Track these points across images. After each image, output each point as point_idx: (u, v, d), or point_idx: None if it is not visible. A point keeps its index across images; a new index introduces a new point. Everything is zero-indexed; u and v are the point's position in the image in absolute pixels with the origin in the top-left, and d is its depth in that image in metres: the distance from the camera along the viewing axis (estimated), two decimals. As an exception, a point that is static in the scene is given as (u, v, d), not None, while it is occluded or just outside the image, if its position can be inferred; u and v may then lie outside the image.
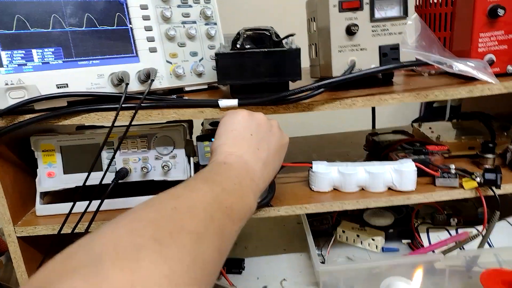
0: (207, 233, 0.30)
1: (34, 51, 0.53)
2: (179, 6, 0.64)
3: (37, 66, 0.53)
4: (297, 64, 0.55)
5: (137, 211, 0.29)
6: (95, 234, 0.26)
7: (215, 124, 0.77)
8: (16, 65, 0.52)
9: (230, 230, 0.35)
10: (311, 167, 0.64)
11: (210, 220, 0.31)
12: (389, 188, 0.62)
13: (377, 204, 0.61)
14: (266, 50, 0.54)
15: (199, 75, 0.66)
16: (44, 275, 0.23)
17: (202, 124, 0.79)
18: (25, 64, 0.53)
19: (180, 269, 0.25)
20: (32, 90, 0.52)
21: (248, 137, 0.45)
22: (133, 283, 0.22)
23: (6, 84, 0.51)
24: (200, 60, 0.66)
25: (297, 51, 0.54)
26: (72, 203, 0.60)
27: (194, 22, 0.65)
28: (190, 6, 0.65)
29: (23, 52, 0.53)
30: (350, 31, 0.56)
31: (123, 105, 0.53)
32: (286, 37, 0.55)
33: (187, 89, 0.66)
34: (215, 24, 0.67)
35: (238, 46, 0.55)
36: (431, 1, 0.66)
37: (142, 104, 0.53)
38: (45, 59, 0.54)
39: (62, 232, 0.58)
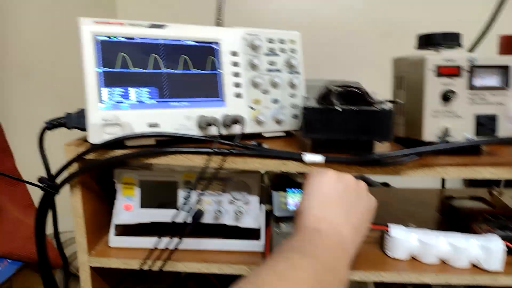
0: None
1: (131, 89, 0.56)
2: (266, 54, 0.65)
3: (133, 104, 0.55)
4: (389, 125, 0.53)
5: None
6: None
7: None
8: (114, 102, 0.54)
9: None
10: (388, 231, 0.61)
11: None
12: (473, 265, 0.58)
13: (460, 282, 0.57)
14: (358, 109, 0.53)
15: (279, 122, 0.66)
16: None
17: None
18: (122, 102, 0.55)
19: None
20: (126, 127, 0.54)
21: (338, 201, 0.44)
22: None
23: (104, 120, 0.53)
24: (281, 108, 0.66)
25: (390, 112, 0.53)
26: (143, 238, 0.61)
27: (279, 71, 0.66)
28: (277, 55, 0.66)
29: (122, 90, 0.55)
30: (446, 98, 0.54)
31: (210, 150, 0.54)
32: (384, 101, 0.54)
33: (265, 135, 0.66)
34: (299, 73, 0.68)
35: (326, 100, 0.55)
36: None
37: (231, 151, 0.53)
38: (140, 98, 0.56)
39: (131, 267, 0.58)
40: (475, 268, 0.57)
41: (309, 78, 0.70)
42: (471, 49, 0.79)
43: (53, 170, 0.56)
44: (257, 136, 0.66)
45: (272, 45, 0.65)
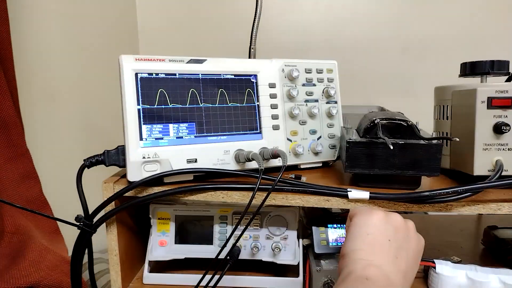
0: None
1: (171, 125, 0.54)
2: (303, 85, 0.63)
3: (171, 140, 0.54)
4: (437, 159, 0.51)
5: None
6: None
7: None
8: (154, 139, 0.53)
9: None
10: (434, 267, 0.58)
11: None
12: (529, 305, 0.54)
13: (517, 324, 0.53)
14: (404, 142, 0.51)
15: (316, 153, 0.64)
16: None
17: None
18: (162, 138, 0.54)
19: None
20: (165, 164, 0.53)
21: (386, 244, 0.42)
22: None
23: (143, 157, 0.52)
24: (318, 139, 0.64)
25: (439, 146, 0.51)
26: (178, 274, 0.59)
27: (317, 101, 0.64)
28: (314, 85, 0.64)
29: (161, 126, 0.54)
30: (499, 130, 0.51)
31: (250, 186, 0.52)
32: (436, 138, 0.51)
33: (302, 166, 0.64)
34: (336, 102, 0.66)
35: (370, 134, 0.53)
36: None
37: (274, 187, 0.51)
38: (179, 134, 0.55)
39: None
40: (532, 309, 0.54)
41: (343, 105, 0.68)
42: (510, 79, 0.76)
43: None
44: (293, 168, 0.64)
45: (309, 75, 0.64)
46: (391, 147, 0.48)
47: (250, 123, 0.59)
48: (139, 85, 0.52)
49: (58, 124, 1.13)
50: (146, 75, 0.52)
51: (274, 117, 0.61)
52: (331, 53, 1.49)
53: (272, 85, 0.61)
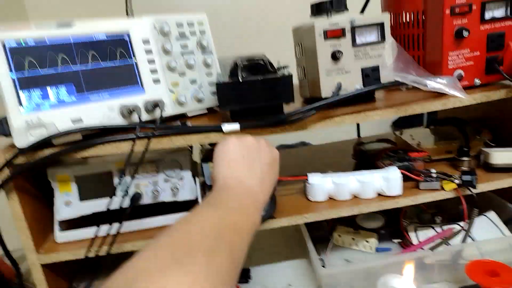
0: (219, 248, 0.35)
1: (49, 89, 0.58)
2: (177, 39, 0.69)
3: (53, 104, 0.58)
4: (290, 89, 0.61)
5: (159, 239, 0.35)
6: (130, 263, 0.32)
7: (214, 144, 0.82)
8: (34, 104, 0.56)
9: (240, 243, 0.40)
10: (307, 180, 0.70)
11: (219, 237, 0.37)
12: (379, 194, 0.69)
13: (369, 209, 0.67)
14: (262, 78, 0.60)
15: (199, 101, 0.71)
16: None
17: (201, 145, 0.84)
18: (43, 103, 0.57)
19: (200, 281, 0.31)
20: (50, 127, 0.57)
21: (241, 160, 0.51)
22: None
23: (27, 123, 0.55)
24: (199, 87, 0.71)
25: (290, 77, 0.61)
26: (87, 229, 0.65)
27: (192, 53, 0.71)
28: (188, 38, 0.70)
29: (40, 91, 0.57)
30: (335, 57, 0.62)
31: (135, 135, 0.58)
32: (280, 68, 0.61)
33: (189, 114, 0.71)
34: (211, 53, 0.73)
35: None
36: (404, 23, 0.74)
37: (154, 133, 0.58)
38: (60, 97, 0.58)
39: (80, 257, 0.62)
40: (380, 196, 0.69)
41: (222, 56, 0.76)
42: (362, 11, 0.88)
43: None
44: (182, 116, 0.71)
45: (181, 29, 0.69)
46: (240, 80, 0.57)
47: (130, 79, 0.64)
48: (8, 54, 0.54)
49: None
50: (14, 43, 0.54)
51: (153, 71, 0.66)
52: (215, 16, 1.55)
53: (146, 42, 0.66)
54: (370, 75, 0.64)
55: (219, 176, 0.49)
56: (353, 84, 0.64)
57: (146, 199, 0.67)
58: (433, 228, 0.82)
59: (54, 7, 1.60)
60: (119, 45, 0.64)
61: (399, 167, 0.69)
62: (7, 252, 0.63)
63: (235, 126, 0.61)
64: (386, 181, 0.68)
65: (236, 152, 0.51)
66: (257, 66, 0.62)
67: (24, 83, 0.56)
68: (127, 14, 0.79)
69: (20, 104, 0.55)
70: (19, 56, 0.55)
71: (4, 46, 0.54)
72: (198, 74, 0.71)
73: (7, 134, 0.57)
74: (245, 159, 0.51)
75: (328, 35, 0.62)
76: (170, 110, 0.68)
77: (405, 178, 0.69)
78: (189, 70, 0.70)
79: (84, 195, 0.66)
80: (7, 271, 0.82)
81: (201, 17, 0.72)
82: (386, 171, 0.68)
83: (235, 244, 0.38)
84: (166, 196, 0.68)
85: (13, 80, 0.55)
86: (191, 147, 0.76)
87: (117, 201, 0.64)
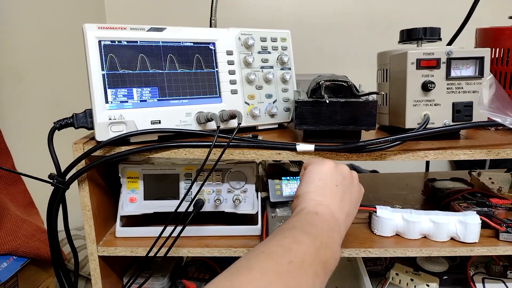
0: None
1: (134, 89, 0.59)
2: (259, 52, 0.69)
3: (136, 103, 0.59)
4: (373, 115, 0.58)
5: (260, 261, 0.33)
6: (238, 282, 0.30)
7: (277, 160, 0.80)
8: (119, 102, 0.58)
9: (323, 283, 0.38)
10: (375, 212, 0.66)
11: (316, 276, 0.35)
12: (452, 238, 0.64)
13: (440, 254, 0.62)
14: (344, 100, 0.58)
15: (272, 115, 0.70)
16: None
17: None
18: (126, 101, 0.58)
19: None
20: (130, 125, 0.58)
21: (334, 189, 0.49)
22: None
23: (110, 119, 0.57)
24: (273, 102, 0.70)
25: (374, 103, 0.58)
26: (149, 227, 0.65)
27: (272, 67, 0.70)
28: (269, 53, 0.70)
29: (126, 90, 0.58)
30: (426, 88, 0.59)
31: (209, 143, 0.58)
32: (369, 94, 0.58)
33: (259, 127, 0.70)
34: (290, 69, 0.72)
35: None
36: (501, 59, 0.68)
37: (229, 144, 0.57)
38: (143, 98, 0.60)
39: (137, 255, 0.62)
40: (453, 240, 0.63)
41: (299, 73, 0.74)
42: (450, 42, 0.84)
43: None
44: (252, 129, 0.70)
45: (264, 43, 0.69)
46: (327, 101, 0.55)
47: (210, 87, 0.65)
48: (102, 52, 0.56)
49: (27, 99, 1.15)
50: (108, 42, 0.56)
51: (232, 82, 0.66)
52: (297, 27, 1.55)
53: (229, 53, 0.66)
54: (462, 111, 0.60)
55: (308, 197, 0.47)
56: (442, 118, 0.60)
57: (208, 207, 0.67)
58: (503, 282, 0.75)
59: (133, 14, 1.65)
60: (204, 54, 0.64)
61: (479, 213, 0.64)
62: (70, 241, 0.64)
63: (310, 147, 0.59)
64: (463, 226, 0.62)
65: (331, 178, 0.49)
66: (340, 88, 0.60)
67: (112, 81, 0.57)
68: (210, 25, 0.80)
69: (107, 101, 0.57)
70: (112, 54, 0.57)
71: (100, 44, 0.56)
72: (275, 89, 0.70)
73: (89, 127, 0.59)
74: (339, 189, 0.49)
75: (421, 64, 0.59)
76: (243, 122, 0.67)
77: (484, 225, 0.63)
78: (267, 84, 0.69)
79: (148, 194, 0.67)
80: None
81: (285, 33, 0.71)
82: (464, 215, 0.63)
83: (323, 284, 0.37)
84: (227, 207, 0.67)
85: (103, 77, 0.56)
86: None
87: (180, 205, 0.64)
